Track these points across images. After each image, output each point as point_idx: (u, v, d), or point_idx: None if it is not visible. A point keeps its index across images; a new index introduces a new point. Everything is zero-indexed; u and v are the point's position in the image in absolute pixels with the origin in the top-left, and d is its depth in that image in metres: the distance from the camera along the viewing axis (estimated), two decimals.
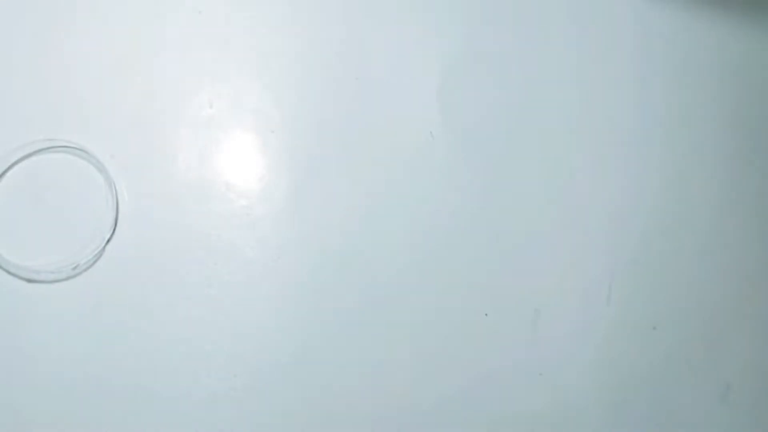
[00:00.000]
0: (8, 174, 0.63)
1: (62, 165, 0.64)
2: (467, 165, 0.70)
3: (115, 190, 0.63)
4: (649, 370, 0.70)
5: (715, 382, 0.72)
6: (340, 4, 0.71)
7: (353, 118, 0.69)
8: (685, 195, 0.75)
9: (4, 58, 0.65)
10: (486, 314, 0.65)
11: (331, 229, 0.65)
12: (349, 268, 0.65)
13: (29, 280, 0.60)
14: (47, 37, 0.66)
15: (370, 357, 0.66)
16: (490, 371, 0.68)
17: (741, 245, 0.75)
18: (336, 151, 0.68)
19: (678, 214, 0.74)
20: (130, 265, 0.62)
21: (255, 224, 0.64)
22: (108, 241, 0.62)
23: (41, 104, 0.65)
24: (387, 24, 0.72)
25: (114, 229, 0.63)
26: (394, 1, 0.72)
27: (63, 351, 0.59)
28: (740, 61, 0.78)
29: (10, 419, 0.58)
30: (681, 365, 0.72)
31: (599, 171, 0.73)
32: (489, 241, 0.69)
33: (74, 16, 0.67)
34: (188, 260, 0.63)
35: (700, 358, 0.72)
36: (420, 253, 0.66)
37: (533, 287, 0.69)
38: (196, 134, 0.67)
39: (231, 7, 0.70)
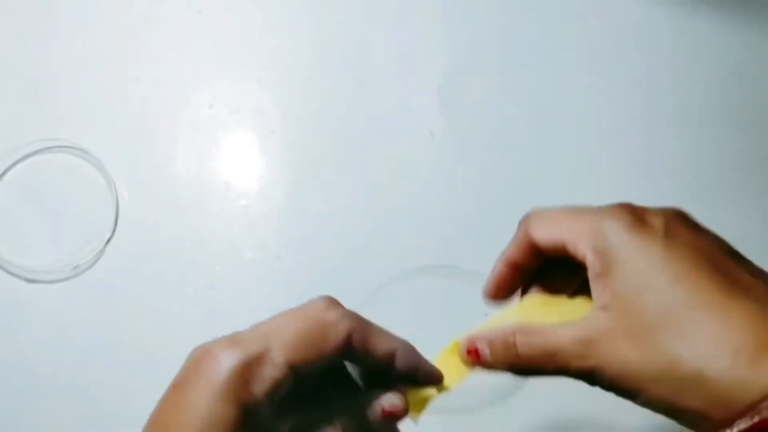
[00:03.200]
0: (8, 174, 0.63)
1: (62, 165, 0.64)
2: (467, 165, 0.70)
3: (115, 190, 0.64)
4: None
5: None
6: (340, 4, 0.71)
7: (353, 117, 0.69)
8: (689, 196, 0.74)
9: (3, 57, 0.66)
10: (486, 314, 0.65)
11: (330, 230, 0.65)
12: (348, 268, 0.64)
13: (29, 281, 0.61)
14: (46, 37, 0.66)
15: None
16: None
17: (745, 246, 0.75)
18: (336, 151, 0.68)
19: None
20: (129, 265, 0.62)
21: (254, 224, 0.65)
22: (108, 241, 0.62)
23: (41, 104, 0.65)
24: (387, 23, 0.72)
25: (114, 230, 0.63)
26: (394, 0, 0.72)
27: (63, 351, 0.60)
28: (747, 61, 0.78)
29: (8, 420, 0.58)
30: None
31: (601, 171, 0.72)
32: (489, 242, 0.69)
33: (74, 15, 0.67)
34: (187, 261, 0.63)
35: None
36: (419, 254, 0.66)
37: None
38: (195, 134, 0.67)
39: (231, 7, 0.70)
